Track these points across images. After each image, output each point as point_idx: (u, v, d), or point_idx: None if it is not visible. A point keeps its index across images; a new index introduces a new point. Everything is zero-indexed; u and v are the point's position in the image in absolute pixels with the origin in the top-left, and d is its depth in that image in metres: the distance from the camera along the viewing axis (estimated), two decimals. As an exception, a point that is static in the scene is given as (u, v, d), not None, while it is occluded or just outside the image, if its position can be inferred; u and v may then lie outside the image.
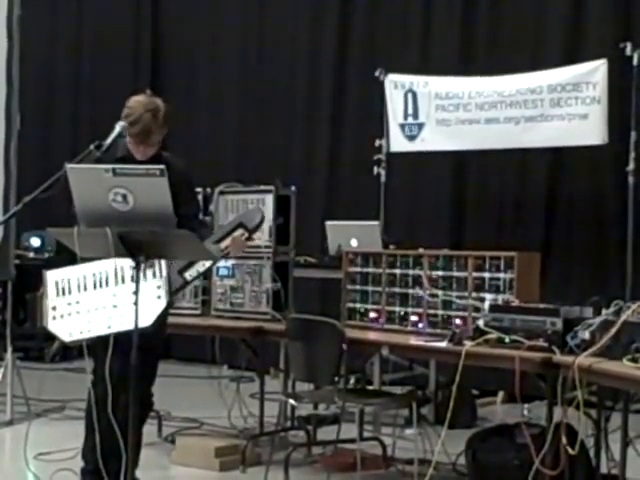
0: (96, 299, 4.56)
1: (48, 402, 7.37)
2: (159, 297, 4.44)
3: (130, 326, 4.40)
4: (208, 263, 4.66)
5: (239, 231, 4.66)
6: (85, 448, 4.88)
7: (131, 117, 4.64)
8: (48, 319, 4.68)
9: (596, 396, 4.78)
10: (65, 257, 4.52)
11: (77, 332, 4.61)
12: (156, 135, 4.72)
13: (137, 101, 4.72)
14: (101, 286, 4.58)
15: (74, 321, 4.60)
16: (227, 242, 4.60)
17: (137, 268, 4.12)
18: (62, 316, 4.63)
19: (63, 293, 4.64)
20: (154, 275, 4.43)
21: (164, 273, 4.49)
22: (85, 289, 4.62)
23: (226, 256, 4.74)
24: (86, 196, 4.08)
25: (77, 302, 4.61)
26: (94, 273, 4.60)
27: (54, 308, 4.67)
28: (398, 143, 8.53)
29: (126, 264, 4.41)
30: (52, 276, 4.71)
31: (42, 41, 11.38)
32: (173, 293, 4.60)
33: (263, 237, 6.17)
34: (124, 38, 11.20)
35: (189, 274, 4.61)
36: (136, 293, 4.13)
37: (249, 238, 4.74)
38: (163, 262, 4.47)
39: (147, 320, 4.27)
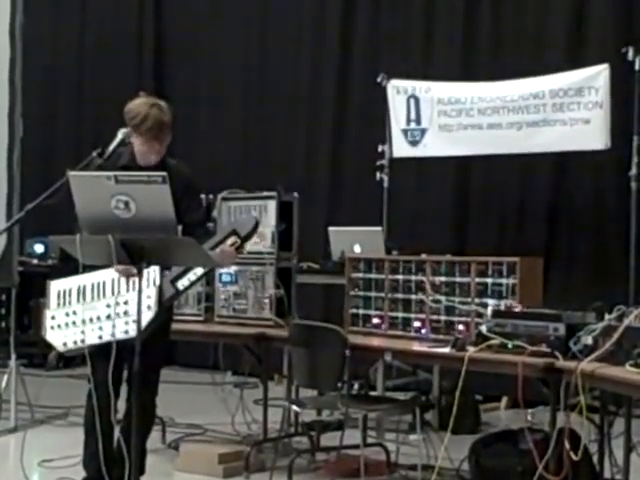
0: (92, 310, 4.57)
1: (52, 409, 7.37)
2: (149, 307, 4.43)
3: (120, 336, 4.43)
4: (200, 271, 4.63)
5: (232, 239, 4.63)
6: (85, 457, 4.87)
7: (139, 117, 4.60)
8: (46, 329, 4.69)
9: (599, 401, 4.78)
10: (69, 265, 4.53)
11: (71, 342, 4.62)
12: (167, 130, 4.69)
13: (138, 103, 4.69)
14: (98, 297, 4.59)
15: (69, 331, 4.62)
16: (217, 251, 4.56)
17: (139, 275, 4.13)
18: (59, 326, 4.65)
19: (64, 304, 4.65)
20: (147, 285, 4.42)
21: (157, 282, 4.48)
22: (84, 299, 4.62)
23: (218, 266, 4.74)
24: (88, 203, 4.08)
25: (74, 312, 4.62)
26: (93, 284, 4.60)
27: (53, 318, 4.68)
28: (401, 148, 8.53)
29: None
30: (55, 286, 4.73)
31: (45, 46, 11.40)
32: (165, 302, 4.58)
33: (266, 243, 6.17)
34: (127, 43, 11.20)
35: (181, 283, 4.59)
36: (139, 301, 4.13)
37: (241, 246, 4.71)
38: (157, 271, 4.46)
39: (134, 330, 4.27)
